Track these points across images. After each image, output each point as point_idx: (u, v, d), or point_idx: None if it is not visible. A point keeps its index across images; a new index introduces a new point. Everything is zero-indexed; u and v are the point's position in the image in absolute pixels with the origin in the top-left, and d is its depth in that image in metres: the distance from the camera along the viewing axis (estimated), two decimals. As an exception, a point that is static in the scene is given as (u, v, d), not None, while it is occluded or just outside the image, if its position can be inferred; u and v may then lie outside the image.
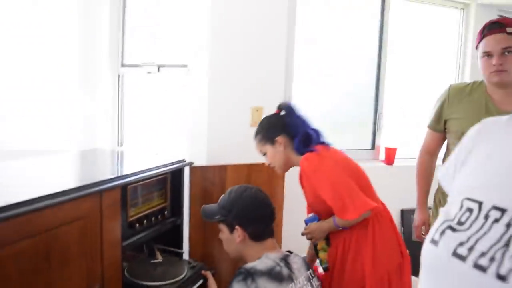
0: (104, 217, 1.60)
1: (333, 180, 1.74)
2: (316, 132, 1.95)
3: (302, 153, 1.85)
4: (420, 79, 3.40)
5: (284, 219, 2.57)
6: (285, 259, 1.63)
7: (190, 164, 2.21)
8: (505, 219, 0.59)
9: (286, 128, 1.91)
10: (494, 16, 3.58)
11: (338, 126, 3.22)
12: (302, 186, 1.96)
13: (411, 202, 2.38)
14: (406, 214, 3.13)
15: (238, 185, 1.79)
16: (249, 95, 2.53)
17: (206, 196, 2.31)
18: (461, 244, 0.61)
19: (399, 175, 2.94)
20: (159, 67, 2.78)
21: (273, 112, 2.01)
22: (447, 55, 3.49)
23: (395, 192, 2.76)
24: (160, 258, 2.02)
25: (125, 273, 1.83)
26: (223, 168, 2.20)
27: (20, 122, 2.73)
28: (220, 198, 1.79)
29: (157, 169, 1.94)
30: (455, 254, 0.61)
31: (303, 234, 1.94)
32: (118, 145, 3.05)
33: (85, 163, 2.17)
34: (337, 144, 3.00)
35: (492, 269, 0.56)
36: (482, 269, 0.57)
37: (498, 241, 0.58)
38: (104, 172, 2.02)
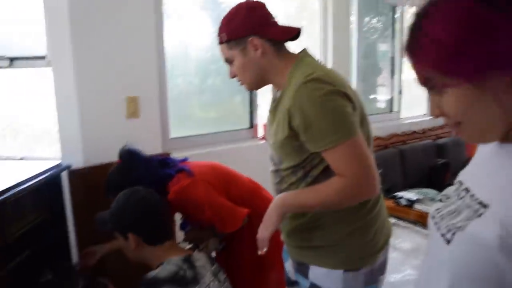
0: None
1: (208, 202, 1.82)
2: (166, 164, 1.95)
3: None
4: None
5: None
6: (188, 260, 1.56)
7: (68, 167, 2.01)
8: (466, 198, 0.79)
9: (133, 183, 1.79)
10: None
11: (214, 107, 3.20)
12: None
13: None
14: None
15: (127, 189, 1.67)
16: (122, 84, 2.36)
17: (90, 201, 2.12)
18: (437, 209, 0.86)
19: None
20: (11, 59, 2.45)
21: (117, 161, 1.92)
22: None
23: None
24: (49, 275, 1.83)
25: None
26: (105, 168, 2.02)
27: None
28: (111, 206, 1.65)
29: (32, 180, 1.73)
30: (432, 217, 0.86)
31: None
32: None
33: None
34: (215, 127, 3.06)
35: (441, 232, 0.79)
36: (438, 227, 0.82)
37: (453, 212, 0.80)
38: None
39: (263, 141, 3.13)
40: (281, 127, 1.36)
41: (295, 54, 1.45)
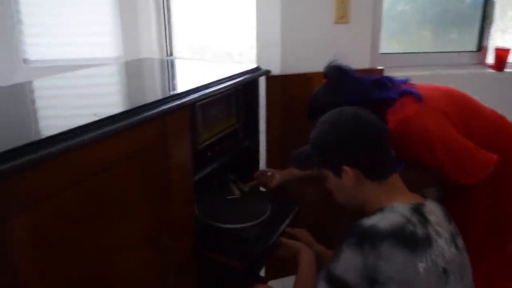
0: (171, 147, 1.19)
1: (442, 139, 1.39)
2: (382, 84, 1.50)
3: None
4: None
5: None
6: (418, 210, 1.12)
7: (267, 72, 1.72)
8: None
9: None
10: None
11: (433, 22, 2.63)
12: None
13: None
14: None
15: (329, 112, 1.26)
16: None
17: (286, 114, 1.84)
18: None
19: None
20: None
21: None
22: None
23: (507, 104, 2.23)
24: (237, 193, 1.63)
25: (197, 214, 1.44)
26: (308, 78, 1.69)
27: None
28: (311, 136, 1.26)
29: (227, 81, 1.48)
30: None
31: None
32: (167, 55, 2.60)
33: (130, 77, 1.72)
34: (433, 46, 2.53)
35: None
36: None
37: None
38: (157, 87, 1.58)
39: (493, 71, 2.50)
40: None
41: None
